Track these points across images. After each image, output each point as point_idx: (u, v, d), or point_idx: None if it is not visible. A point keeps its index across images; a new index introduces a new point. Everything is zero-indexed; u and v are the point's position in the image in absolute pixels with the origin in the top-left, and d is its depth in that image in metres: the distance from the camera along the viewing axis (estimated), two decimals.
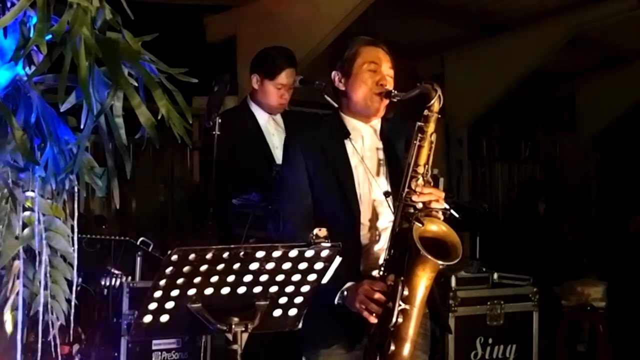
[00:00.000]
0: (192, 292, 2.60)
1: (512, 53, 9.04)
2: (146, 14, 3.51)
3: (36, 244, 2.62)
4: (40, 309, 2.65)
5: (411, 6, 7.87)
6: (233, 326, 2.67)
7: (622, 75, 10.49)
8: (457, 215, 3.19)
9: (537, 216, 8.30)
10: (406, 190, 3.18)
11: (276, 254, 2.65)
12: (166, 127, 2.64)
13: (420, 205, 3.17)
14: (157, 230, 6.95)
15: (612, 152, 11.64)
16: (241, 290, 2.68)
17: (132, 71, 2.60)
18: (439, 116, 3.23)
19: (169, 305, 2.60)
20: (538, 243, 8.05)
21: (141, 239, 4.80)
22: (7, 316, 2.66)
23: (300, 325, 2.90)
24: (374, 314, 3.12)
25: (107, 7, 2.57)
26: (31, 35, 2.51)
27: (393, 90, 3.34)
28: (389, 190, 3.31)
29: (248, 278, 2.66)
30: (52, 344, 2.69)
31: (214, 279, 2.61)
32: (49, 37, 2.45)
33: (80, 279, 4.41)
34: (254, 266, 2.64)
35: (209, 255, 2.55)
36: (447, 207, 3.23)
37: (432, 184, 3.21)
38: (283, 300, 2.78)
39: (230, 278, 2.63)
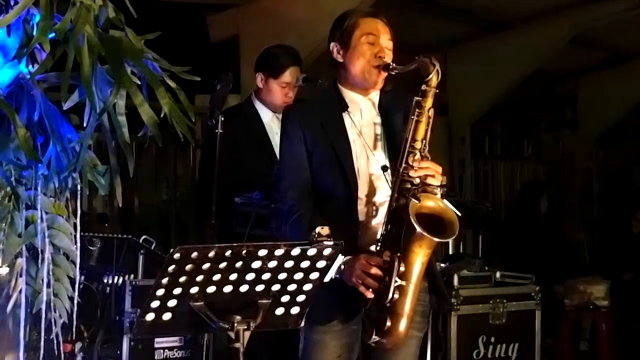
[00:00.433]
0: (194, 290, 2.60)
1: (515, 51, 9.03)
2: (149, 13, 3.51)
3: (39, 242, 2.63)
4: (43, 306, 2.66)
5: (414, 4, 7.87)
6: (235, 324, 2.67)
7: (624, 73, 10.49)
8: (459, 214, 3.18)
9: (539, 214, 8.29)
10: (403, 165, 3.17)
11: (278, 252, 2.65)
12: (169, 125, 2.64)
13: (417, 181, 3.16)
14: (159, 229, 6.96)
15: (615, 150, 11.64)
16: (243, 288, 2.67)
17: (134, 69, 2.61)
18: (437, 91, 3.20)
19: (172, 303, 2.60)
20: (540, 242, 8.04)
21: (143, 237, 4.80)
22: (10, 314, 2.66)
23: (302, 324, 2.90)
24: (370, 289, 3.12)
25: (110, 5, 2.57)
26: (34, 33, 2.52)
27: (391, 63, 3.31)
28: (387, 164, 3.30)
29: (250, 276, 2.66)
30: (55, 341, 2.70)
31: (217, 277, 2.61)
32: (52, 35, 2.45)
33: (82, 277, 4.43)
34: (256, 264, 2.64)
35: (211, 254, 2.55)
36: (444, 183, 3.21)
37: (429, 158, 3.20)
38: (285, 298, 2.78)
39: (233, 276, 2.63)
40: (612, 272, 7.56)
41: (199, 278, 2.58)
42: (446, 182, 3.23)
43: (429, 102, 3.19)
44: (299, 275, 2.73)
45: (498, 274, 5.90)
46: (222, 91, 4.35)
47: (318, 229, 2.73)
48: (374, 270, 3.11)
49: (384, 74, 3.36)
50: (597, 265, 8.52)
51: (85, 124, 2.62)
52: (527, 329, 5.81)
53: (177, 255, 2.51)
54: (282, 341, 4.17)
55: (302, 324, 2.90)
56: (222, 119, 4.31)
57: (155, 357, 4.57)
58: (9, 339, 2.69)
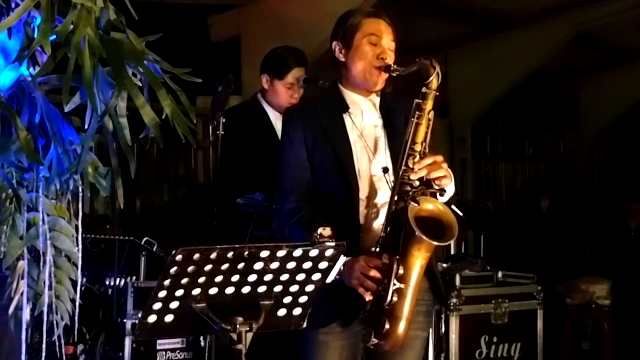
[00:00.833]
0: (196, 292, 2.60)
1: (516, 51, 9.04)
2: (150, 14, 3.52)
3: (41, 244, 2.63)
4: (45, 309, 2.66)
5: (415, 5, 7.88)
6: (238, 326, 2.67)
7: (625, 73, 10.50)
8: (460, 214, 3.17)
9: (540, 213, 8.29)
10: (403, 168, 3.15)
11: (281, 253, 2.65)
12: (170, 127, 2.64)
13: (417, 184, 3.15)
14: (161, 230, 6.95)
15: (616, 150, 11.64)
16: (246, 290, 2.67)
17: (136, 71, 2.61)
18: (437, 93, 3.20)
19: (174, 305, 2.60)
20: (542, 241, 8.05)
21: (145, 239, 4.80)
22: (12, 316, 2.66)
23: (305, 325, 2.90)
24: (369, 291, 3.12)
25: (111, 7, 2.57)
26: (36, 36, 2.52)
27: (393, 65, 3.30)
28: (388, 166, 3.29)
29: (253, 278, 2.66)
30: (57, 344, 2.70)
31: (219, 279, 2.61)
32: (53, 37, 2.45)
33: (84, 279, 4.43)
34: (258, 266, 2.64)
35: (213, 255, 2.55)
36: (450, 172, 3.20)
37: None
38: (288, 299, 2.78)
39: (235, 278, 2.63)
40: (614, 271, 7.56)
41: (201, 280, 2.58)
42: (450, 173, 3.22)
43: (429, 105, 3.18)
44: (301, 277, 2.73)
45: (500, 274, 5.90)
46: (223, 93, 4.35)
47: (320, 230, 2.72)
48: (373, 273, 3.10)
49: (385, 76, 3.35)
50: (599, 264, 8.51)
51: (86, 126, 2.61)
52: (530, 328, 5.81)
53: (179, 257, 2.51)
54: (283, 343, 4.16)
55: (305, 325, 2.89)
56: (224, 120, 4.31)
57: (158, 359, 4.57)
58: (11, 342, 2.69)
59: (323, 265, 2.73)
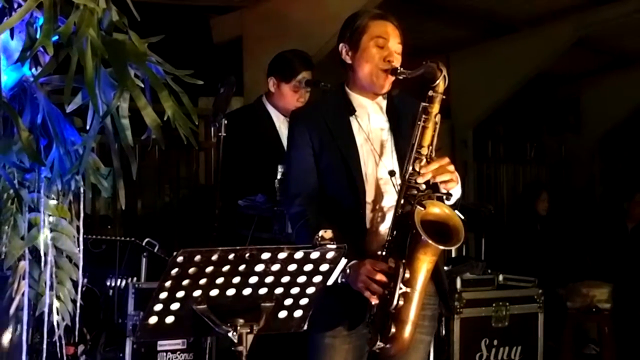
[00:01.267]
0: (197, 293, 2.60)
1: (518, 54, 9.04)
2: (152, 15, 3.52)
3: (41, 244, 2.62)
4: (46, 309, 2.66)
5: (418, 7, 7.87)
6: (238, 327, 2.67)
7: (627, 77, 10.50)
8: (462, 217, 3.17)
9: (536, 215, 8.28)
10: (409, 171, 3.15)
11: (282, 255, 2.65)
12: (172, 128, 2.64)
13: (423, 187, 3.15)
14: (162, 231, 6.95)
15: (617, 153, 11.64)
16: (246, 291, 2.67)
17: (138, 72, 2.61)
18: (444, 96, 3.19)
19: (175, 306, 2.60)
20: (541, 244, 8.04)
21: (147, 239, 4.79)
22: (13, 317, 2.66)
23: (305, 327, 2.89)
24: (375, 295, 3.12)
25: (114, 8, 2.57)
26: (38, 36, 2.52)
27: (399, 68, 3.30)
28: (394, 169, 3.27)
29: (253, 279, 2.66)
30: (58, 344, 2.69)
31: (220, 280, 2.60)
32: (55, 38, 2.45)
33: (85, 280, 4.43)
34: (259, 268, 2.64)
35: (214, 257, 2.55)
36: (456, 175, 3.20)
37: None
38: (288, 301, 2.78)
39: (236, 279, 2.63)
40: (614, 275, 7.55)
41: (202, 281, 2.58)
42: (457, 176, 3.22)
43: (435, 108, 3.17)
44: (302, 279, 2.73)
45: (501, 277, 5.90)
46: (225, 94, 4.35)
47: (321, 232, 2.73)
48: (379, 276, 3.10)
49: (392, 78, 3.34)
50: (600, 268, 8.50)
51: (88, 127, 2.62)
52: (530, 332, 5.81)
53: (180, 259, 2.51)
54: (284, 345, 4.16)
55: (305, 327, 2.89)
56: (226, 122, 4.32)
57: None
58: (12, 342, 2.69)
59: (324, 267, 2.73)
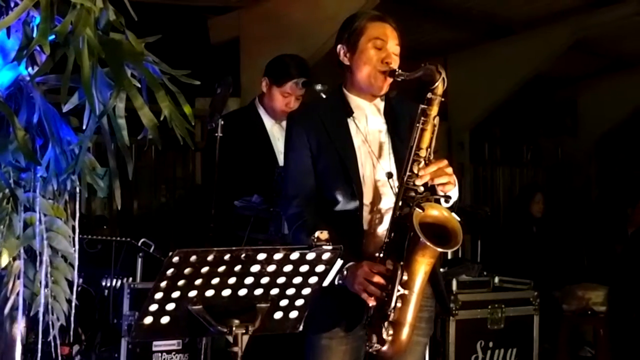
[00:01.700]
0: (193, 293, 2.60)
1: (515, 57, 9.05)
2: (149, 15, 3.52)
3: (37, 244, 2.62)
4: (41, 309, 2.65)
5: (415, 9, 7.88)
6: (234, 328, 2.67)
7: (624, 79, 10.51)
8: (458, 219, 3.17)
9: (532, 218, 8.28)
10: (407, 173, 3.15)
11: (277, 256, 2.65)
12: (168, 128, 2.64)
13: (422, 189, 3.15)
14: (158, 232, 6.95)
15: (614, 156, 11.65)
16: (242, 292, 2.67)
17: (135, 72, 2.60)
18: (442, 99, 3.19)
19: (170, 306, 2.60)
20: (538, 247, 8.05)
21: (142, 240, 4.80)
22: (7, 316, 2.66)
23: (301, 328, 2.89)
24: (372, 297, 3.12)
25: (111, 8, 2.57)
26: (34, 35, 2.51)
27: (397, 70, 3.30)
28: (392, 171, 3.27)
29: (249, 280, 2.65)
30: (52, 344, 2.69)
31: (215, 280, 2.60)
32: (52, 37, 2.45)
33: (80, 280, 4.43)
34: (255, 268, 2.64)
35: (210, 257, 2.55)
36: (454, 178, 3.19)
37: None
38: (284, 302, 2.78)
39: (231, 280, 2.63)
40: (610, 278, 7.56)
41: (198, 282, 2.58)
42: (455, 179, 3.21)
43: (434, 110, 3.17)
44: (297, 280, 2.73)
45: (496, 279, 5.92)
46: (222, 95, 4.35)
47: (317, 233, 2.72)
48: (377, 278, 3.10)
49: (390, 80, 3.34)
50: (596, 271, 8.51)
51: (84, 127, 2.61)
52: (526, 334, 5.83)
53: (175, 259, 2.51)
54: (280, 346, 4.16)
55: (301, 328, 2.89)
56: (222, 122, 4.32)
57: None
58: (6, 342, 2.68)
59: (320, 268, 2.73)
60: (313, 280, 2.75)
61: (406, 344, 3.14)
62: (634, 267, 7.85)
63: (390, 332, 3.09)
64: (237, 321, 2.68)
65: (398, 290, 3.07)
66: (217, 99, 4.36)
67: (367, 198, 3.31)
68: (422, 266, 3.09)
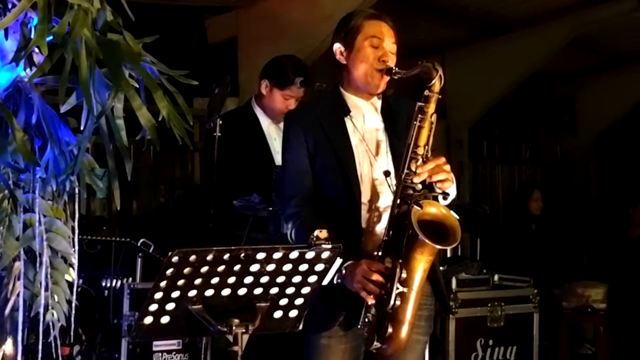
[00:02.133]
0: (192, 293, 2.60)
1: (513, 54, 9.04)
2: (147, 16, 3.52)
3: (37, 245, 2.62)
4: (41, 310, 2.65)
5: (412, 7, 7.87)
6: (233, 327, 2.67)
7: (622, 76, 10.50)
8: (457, 217, 3.17)
9: (530, 215, 8.28)
10: (405, 171, 3.15)
11: (277, 255, 2.65)
12: (167, 128, 2.64)
13: (419, 187, 3.15)
14: (157, 232, 6.94)
15: (613, 153, 11.65)
16: (242, 291, 2.67)
17: (132, 72, 2.60)
18: (440, 96, 3.19)
19: (170, 306, 2.60)
20: (537, 244, 8.05)
21: (142, 240, 4.80)
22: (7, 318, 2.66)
23: (300, 327, 2.89)
24: (371, 295, 3.12)
25: (108, 8, 2.57)
26: (32, 36, 2.52)
27: (394, 67, 3.30)
28: (390, 169, 3.27)
29: (249, 279, 2.66)
30: (53, 345, 2.69)
31: (215, 280, 2.60)
32: (49, 38, 2.45)
33: (80, 280, 4.43)
34: (254, 267, 2.64)
35: (209, 257, 2.55)
36: (452, 175, 3.19)
37: None
38: (284, 301, 2.78)
39: (231, 279, 2.63)
40: (610, 275, 7.56)
41: (197, 281, 2.58)
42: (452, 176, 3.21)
43: (431, 108, 3.17)
44: (297, 279, 2.73)
45: (496, 277, 5.91)
46: (220, 94, 4.36)
47: (316, 232, 2.72)
48: (375, 277, 3.10)
49: (387, 78, 3.34)
50: (595, 268, 8.52)
51: (83, 127, 2.61)
52: (525, 332, 5.82)
53: (175, 259, 2.51)
54: (280, 345, 4.16)
55: (300, 327, 2.89)
56: (221, 122, 4.32)
57: None
58: (7, 343, 2.68)
59: (319, 267, 2.73)
60: (312, 279, 2.76)
61: (405, 342, 3.14)
62: (634, 265, 7.86)
63: (390, 330, 3.10)
64: (237, 320, 2.68)
65: (397, 288, 3.07)
66: (215, 99, 4.36)
67: (365, 196, 3.31)
68: (421, 264, 3.10)
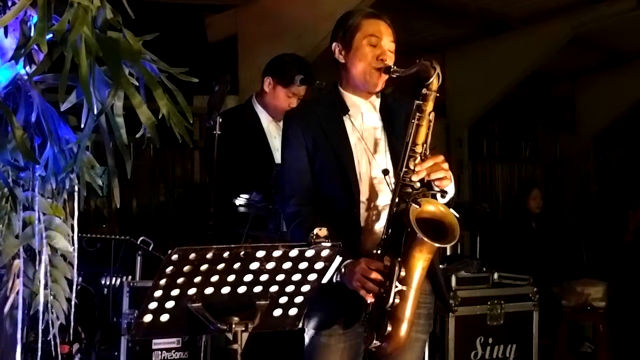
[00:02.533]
0: (192, 291, 2.60)
1: (513, 53, 9.04)
2: (147, 13, 3.51)
3: (36, 243, 2.62)
4: (40, 308, 2.65)
5: (413, 5, 7.87)
6: (233, 326, 2.67)
7: (622, 75, 10.50)
8: (456, 215, 3.17)
9: (530, 213, 8.28)
10: (404, 169, 3.16)
11: (276, 253, 2.65)
12: (167, 126, 2.64)
13: (418, 185, 3.15)
14: (157, 230, 6.95)
15: (613, 151, 11.65)
16: (241, 289, 2.68)
17: (132, 70, 2.60)
18: (437, 94, 3.18)
19: (169, 304, 2.60)
20: (537, 243, 8.05)
21: (141, 238, 4.80)
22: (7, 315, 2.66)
23: (300, 325, 2.90)
24: (371, 293, 3.12)
25: (108, 6, 2.56)
26: (32, 34, 2.51)
27: (392, 66, 3.30)
28: (388, 168, 3.27)
29: (248, 277, 2.66)
30: (52, 343, 2.69)
31: (214, 278, 2.61)
32: (49, 36, 2.45)
33: (80, 278, 4.43)
34: (254, 266, 2.64)
35: (209, 255, 2.55)
36: (450, 173, 3.19)
37: None
38: (283, 299, 2.78)
39: (231, 277, 2.63)
40: (610, 274, 7.57)
41: (197, 279, 2.58)
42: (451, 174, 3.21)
43: (429, 106, 3.17)
44: (297, 277, 2.74)
45: (496, 275, 5.91)
46: (220, 92, 4.36)
47: (316, 230, 2.72)
48: (374, 275, 3.10)
49: (385, 77, 3.34)
50: (595, 266, 8.52)
51: (82, 125, 2.61)
52: (525, 330, 5.83)
53: (175, 257, 2.51)
54: (279, 343, 4.16)
55: (300, 325, 2.90)
56: (221, 120, 4.32)
57: (153, 359, 4.57)
58: (6, 341, 2.68)
59: (319, 265, 2.74)
60: (312, 277, 2.76)
61: (405, 340, 3.14)
62: (634, 263, 7.87)
63: (389, 328, 3.10)
64: (236, 318, 2.68)
65: (396, 287, 3.07)
66: (215, 97, 4.36)
67: (364, 195, 3.31)
68: (420, 262, 3.10)
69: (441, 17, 8.48)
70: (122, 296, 4.55)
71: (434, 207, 3.15)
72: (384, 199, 3.29)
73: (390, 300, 3.08)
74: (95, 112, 2.52)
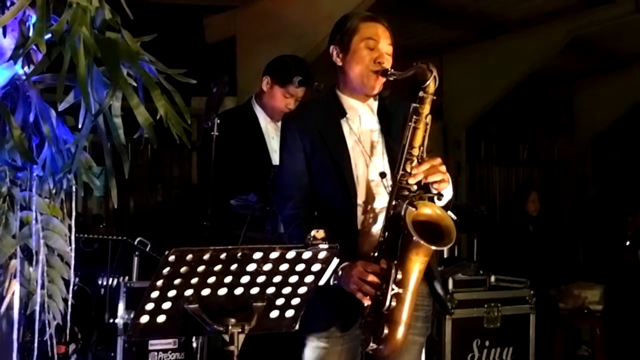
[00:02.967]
0: (189, 292, 2.60)
1: (511, 55, 9.05)
2: (145, 14, 3.51)
3: (33, 243, 2.62)
4: (37, 308, 2.65)
5: (411, 8, 7.87)
6: (230, 327, 2.67)
7: (619, 78, 10.52)
8: (454, 217, 3.17)
9: (527, 216, 8.28)
10: (400, 172, 3.15)
11: (274, 255, 2.65)
12: (165, 127, 2.64)
13: (415, 188, 3.15)
14: (154, 230, 6.95)
15: (610, 154, 11.65)
16: (238, 291, 2.67)
17: (131, 71, 2.60)
18: (434, 97, 3.19)
19: (166, 305, 2.60)
20: (534, 245, 8.05)
21: (138, 239, 4.79)
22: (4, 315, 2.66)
23: (297, 327, 2.89)
24: (367, 296, 3.12)
25: (107, 7, 2.57)
26: (30, 34, 2.51)
27: (390, 69, 3.30)
28: (385, 171, 3.28)
29: (245, 279, 2.66)
30: (49, 343, 2.69)
31: (211, 279, 2.60)
32: (48, 36, 2.45)
33: (77, 279, 4.43)
34: (251, 267, 2.64)
35: (206, 256, 2.55)
36: (447, 176, 3.19)
37: None
38: (280, 301, 2.78)
39: (228, 279, 2.63)
40: (607, 277, 7.56)
41: (194, 280, 2.58)
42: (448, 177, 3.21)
43: (426, 109, 3.17)
44: (293, 279, 2.73)
45: (493, 278, 5.91)
46: (218, 94, 4.36)
47: (313, 232, 2.72)
48: (371, 278, 3.10)
49: (382, 80, 3.34)
50: (592, 269, 8.52)
51: (80, 126, 2.61)
52: (522, 333, 5.83)
53: (172, 258, 2.51)
54: (276, 345, 4.16)
55: (297, 327, 2.89)
56: (219, 121, 4.32)
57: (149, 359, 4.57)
58: (2, 341, 2.68)
59: (316, 267, 2.73)
60: (309, 279, 2.76)
61: (402, 343, 3.14)
62: (631, 266, 7.86)
63: (386, 331, 3.10)
64: (233, 320, 2.68)
65: (392, 289, 3.07)
66: (213, 98, 4.36)
67: (361, 198, 3.31)
68: (416, 265, 3.10)
69: (439, 19, 8.48)
70: (119, 297, 4.55)
71: (430, 209, 3.15)
72: (381, 201, 3.29)
73: (387, 303, 3.07)
74: (93, 112, 2.52)
